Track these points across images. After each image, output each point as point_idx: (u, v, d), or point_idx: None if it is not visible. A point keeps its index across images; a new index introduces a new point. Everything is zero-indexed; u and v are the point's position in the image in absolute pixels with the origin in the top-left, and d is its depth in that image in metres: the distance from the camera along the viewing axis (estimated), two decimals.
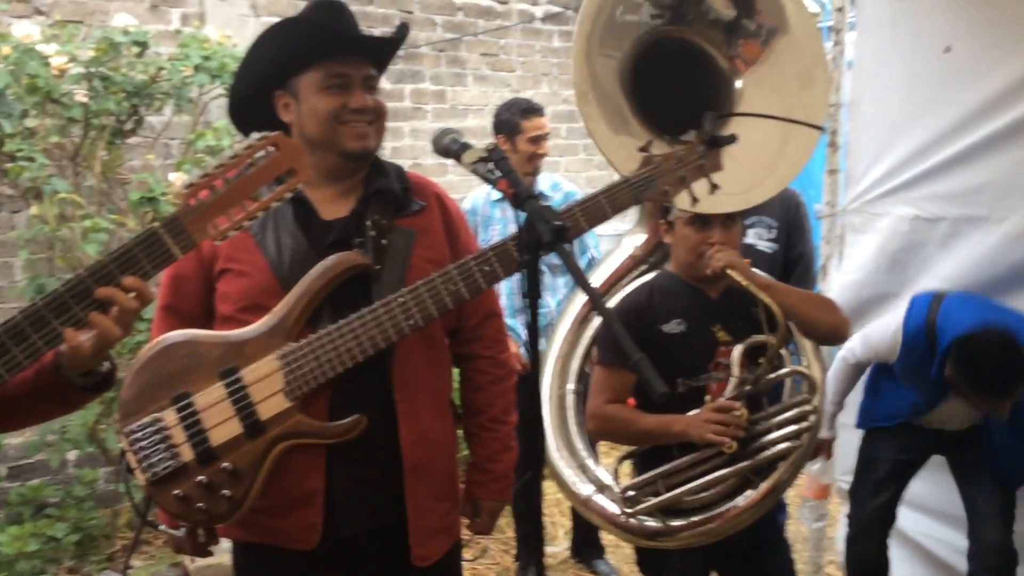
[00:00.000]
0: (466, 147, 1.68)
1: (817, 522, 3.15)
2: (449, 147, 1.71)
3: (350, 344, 1.68)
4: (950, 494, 2.91)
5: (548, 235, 1.48)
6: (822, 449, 2.93)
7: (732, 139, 1.85)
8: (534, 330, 1.52)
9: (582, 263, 3.56)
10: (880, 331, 2.80)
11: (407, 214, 1.85)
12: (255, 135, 1.44)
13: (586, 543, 3.68)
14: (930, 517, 3.16)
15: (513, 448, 1.98)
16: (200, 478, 1.65)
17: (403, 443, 1.79)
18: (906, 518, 3.03)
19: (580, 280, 1.51)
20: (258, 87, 1.82)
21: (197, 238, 1.42)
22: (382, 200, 1.84)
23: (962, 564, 2.90)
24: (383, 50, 1.88)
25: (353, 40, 1.81)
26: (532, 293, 1.51)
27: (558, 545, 3.84)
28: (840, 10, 3.48)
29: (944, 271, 2.97)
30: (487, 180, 1.62)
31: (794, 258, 3.17)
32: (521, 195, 1.55)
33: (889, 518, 2.96)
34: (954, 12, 2.93)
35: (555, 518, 3.93)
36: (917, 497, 2.98)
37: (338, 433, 1.72)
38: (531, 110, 3.55)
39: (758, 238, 3.23)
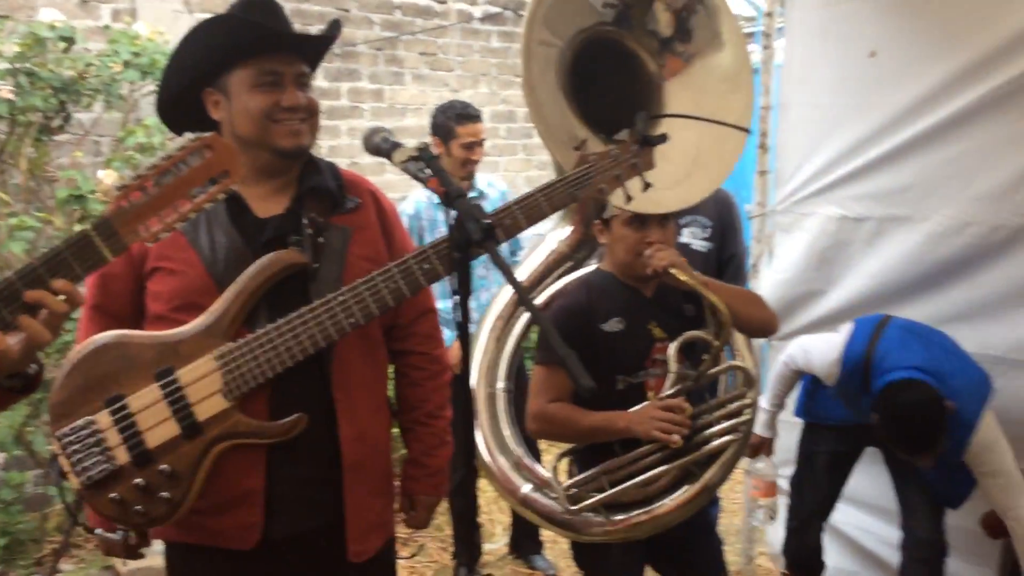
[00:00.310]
0: (396, 146, 1.69)
1: (770, 521, 3.21)
2: (380, 146, 1.72)
3: (290, 343, 1.67)
4: (880, 488, 3.01)
5: (478, 234, 1.50)
6: (762, 448, 3.00)
7: (664, 138, 1.89)
8: (464, 329, 1.54)
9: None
10: (822, 353, 2.83)
11: (342, 212, 1.85)
12: (189, 136, 1.42)
13: (524, 539, 3.71)
14: (861, 510, 3.26)
15: (448, 443, 2.00)
16: (137, 481, 1.63)
17: (343, 441, 1.79)
18: (837, 511, 3.12)
19: (511, 279, 1.53)
20: (188, 84, 1.79)
21: (128, 240, 1.40)
22: (317, 198, 1.83)
23: (892, 556, 3.00)
24: (316, 47, 1.87)
25: (285, 37, 1.79)
26: (463, 292, 1.53)
27: (496, 541, 3.86)
28: (770, 15, 3.56)
29: (870, 269, 3.07)
30: (417, 179, 1.63)
31: (727, 257, 3.24)
32: (451, 194, 1.57)
33: (828, 509, 3.05)
34: (881, 18, 3.03)
35: (494, 515, 3.95)
36: (848, 491, 3.07)
37: (278, 433, 1.71)
38: (466, 116, 3.54)
39: (693, 237, 3.30)
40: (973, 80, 2.78)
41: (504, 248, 3.48)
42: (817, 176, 3.25)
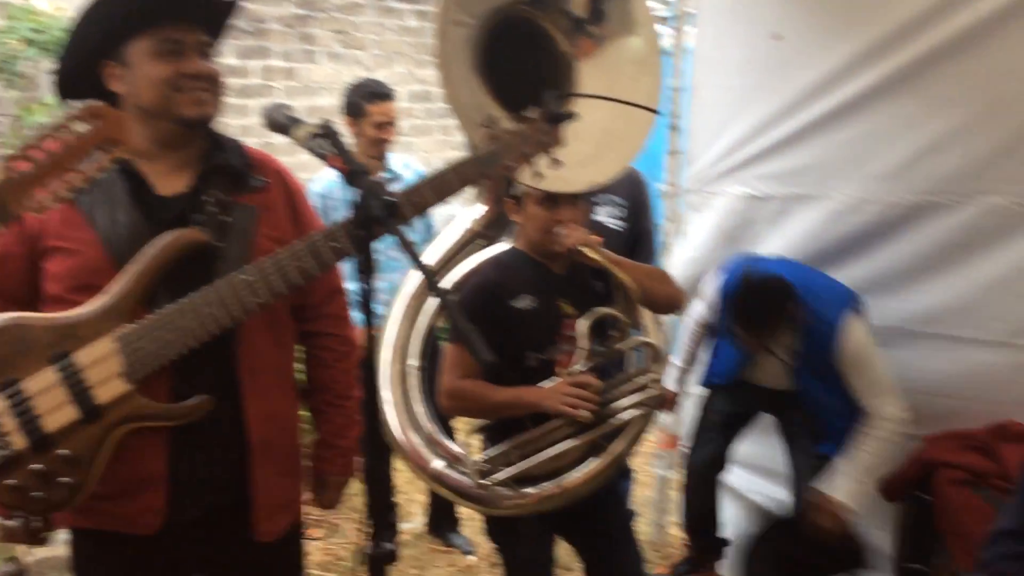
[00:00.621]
0: (297, 122, 1.67)
1: (667, 470, 3.30)
2: (280, 122, 1.70)
3: (193, 324, 1.64)
4: (778, 453, 3.12)
5: (381, 211, 1.50)
6: (669, 403, 3.10)
7: (571, 116, 1.91)
8: (368, 309, 1.54)
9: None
10: (709, 288, 3.04)
11: (248, 191, 1.82)
12: (77, 105, 1.39)
13: (442, 517, 3.73)
14: (761, 475, 3.37)
15: (359, 423, 2.00)
16: (35, 466, 1.59)
17: (250, 421, 1.78)
18: (740, 478, 3.23)
19: (413, 257, 1.53)
20: (86, 58, 1.74)
21: (15, 211, 1.37)
22: (222, 176, 1.80)
23: None
24: (216, 15, 1.83)
25: (183, 3, 1.75)
26: (366, 271, 1.53)
27: (414, 521, 3.87)
28: None
29: (775, 247, 3.16)
30: (319, 156, 1.62)
31: (638, 235, 3.29)
32: (354, 172, 1.56)
33: (718, 466, 3.17)
34: (786, 2, 3.10)
35: (411, 495, 3.95)
36: (749, 457, 3.17)
37: (181, 415, 1.69)
38: (378, 94, 3.48)
39: (609, 216, 3.34)
40: (869, 64, 2.88)
41: (420, 230, 3.51)
42: (725, 156, 3.33)
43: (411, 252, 1.54)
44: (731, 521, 3.32)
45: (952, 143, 2.76)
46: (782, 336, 2.83)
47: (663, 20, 3.72)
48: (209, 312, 1.65)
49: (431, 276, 1.60)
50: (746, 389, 3.07)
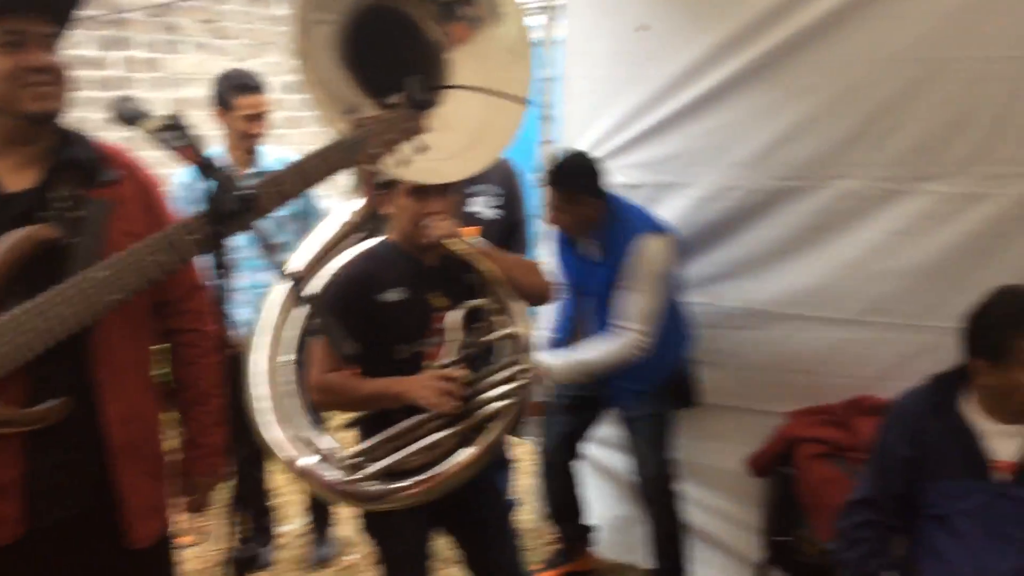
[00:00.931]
0: (144, 115, 1.62)
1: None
2: (127, 115, 1.64)
3: (46, 324, 1.57)
4: None
5: (234, 205, 1.47)
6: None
7: (435, 101, 1.91)
8: (221, 306, 1.50)
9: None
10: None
11: (100, 185, 1.75)
12: None
13: (321, 516, 3.66)
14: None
15: (225, 422, 1.95)
16: None
17: (111, 423, 1.73)
18: (614, 459, 3.30)
19: (268, 250, 1.50)
20: None
21: None
22: (72, 170, 1.73)
23: None
24: (63, 4, 1.75)
25: None
26: (220, 267, 1.49)
27: (294, 523, 3.80)
28: None
29: None
30: (169, 149, 1.57)
31: (513, 225, 3.31)
32: (206, 164, 1.52)
33: (568, 451, 3.25)
34: None
35: (290, 496, 3.88)
36: (615, 437, 3.27)
37: (35, 419, 1.62)
38: (245, 86, 3.33)
39: (485, 206, 3.35)
40: (729, 55, 2.97)
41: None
42: (596, 146, 3.38)
43: (266, 247, 1.50)
44: (606, 505, 3.39)
45: (807, 130, 2.89)
46: (587, 225, 2.96)
47: (534, 12, 3.75)
48: (63, 311, 1.58)
49: (282, 268, 1.57)
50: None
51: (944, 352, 2.20)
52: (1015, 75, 2.56)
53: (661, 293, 2.91)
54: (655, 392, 3.05)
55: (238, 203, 1.48)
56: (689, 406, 3.15)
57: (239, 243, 1.59)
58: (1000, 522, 2.03)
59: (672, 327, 3.01)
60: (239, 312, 3.28)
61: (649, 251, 2.88)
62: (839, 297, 2.91)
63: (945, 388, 2.17)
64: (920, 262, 2.77)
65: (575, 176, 2.96)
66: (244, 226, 1.55)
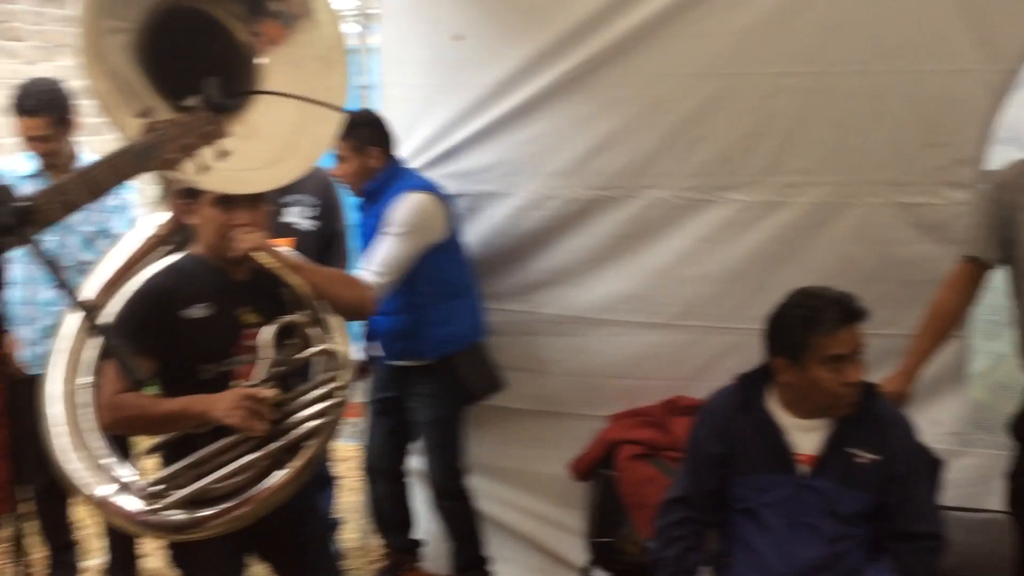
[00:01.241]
0: None
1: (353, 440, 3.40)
2: None
3: None
4: (486, 448, 3.22)
5: (9, 219, 1.34)
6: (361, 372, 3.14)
7: (235, 104, 1.83)
8: (1, 324, 1.37)
9: None
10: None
11: None
12: None
13: (125, 549, 3.40)
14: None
15: (6, 447, 1.78)
16: None
17: None
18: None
19: (51, 268, 1.38)
20: None
21: None
22: None
23: (501, 512, 3.25)
24: None
25: None
26: None
27: (98, 556, 3.53)
28: None
29: (469, 241, 3.22)
30: None
31: (331, 236, 3.23)
32: None
33: (389, 459, 3.22)
34: (467, 1, 3.17)
35: (95, 529, 3.60)
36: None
37: None
38: (20, 107, 3.03)
39: (301, 217, 3.25)
40: (546, 65, 3.01)
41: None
42: (416, 155, 3.34)
43: (47, 263, 1.38)
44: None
45: (620, 141, 2.97)
46: (369, 174, 3.02)
47: (350, 18, 3.68)
48: None
49: (66, 288, 1.44)
50: (383, 370, 3.12)
51: (750, 351, 2.30)
52: (805, 90, 2.73)
53: (410, 246, 2.90)
54: (438, 394, 3.05)
55: (14, 216, 1.34)
56: (478, 400, 3.15)
57: (18, 257, 1.45)
58: (803, 512, 2.14)
59: (442, 301, 3.01)
60: (21, 331, 3.05)
61: (406, 203, 2.91)
62: (653, 302, 3.01)
63: (751, 386, 2.27)
64: (725, 267, 2.90)
65: (363, 126, 3.00)
66: (23, 240, 1.41)
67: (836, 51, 2.69)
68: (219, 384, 2.03)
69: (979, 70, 2.59)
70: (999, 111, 2.61)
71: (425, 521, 3.35)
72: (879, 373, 2.38)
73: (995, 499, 2.51)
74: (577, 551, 3.04)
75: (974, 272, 2.39)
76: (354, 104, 3.45)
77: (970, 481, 2.67)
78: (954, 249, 2.50)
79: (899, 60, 2.64)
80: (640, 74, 2.90)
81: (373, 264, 2.87)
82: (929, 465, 2.26)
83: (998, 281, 2.41)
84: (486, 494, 3.23)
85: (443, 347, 3.03)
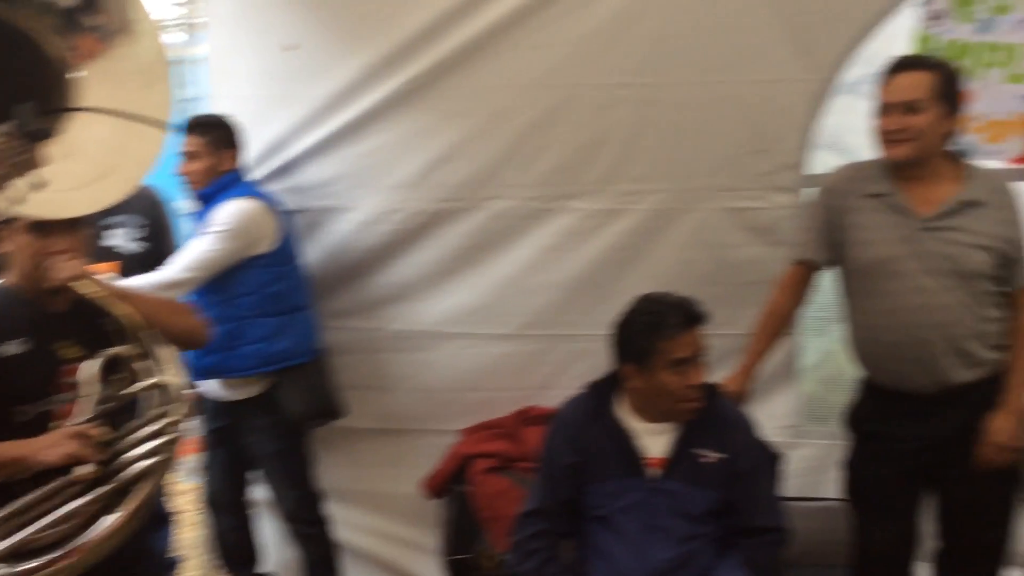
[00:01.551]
0: None
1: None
2: None
3: None
4: (333, 470, 3.12)
5: None
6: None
7: (53, 130, 1.69)
8: None
9: None
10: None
11: None
12: None
13: None
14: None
15: None
16: None
17: None
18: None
19: None
20: None
21: None
22: None
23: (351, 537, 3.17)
24: None
25: None
26: None
27: None
28: (191, 3, 3.44)
29: (310, 258, 3.12)
30: None
31: (160, 258, 3.06)
32: None
33: (233, 486, 3.10)
34: (297, 11, 3.06)
35: None
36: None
37: None
38: None
39: (127, 239, 3.09)
40: (384, 76, 2.95)
41: None
42: (251, 169, 3.21)
43: None
44: (278, 544, 3.23)
45: (461, 152, 2.95)
46: (215, 175, 2.93)
47: (173, 28, 3.51)
48: None
49: None
50: (224, 404, 2.97)
51: (598, 357, 2.33)
52: (640, 100, 2.81)
53: (226, 248, 2.80)
54: (272, 426, 2.93)
55: None
56: (312, 427, 3.04)
57: None
58: (655, 515, 2.18)
59: (264, 316, 2.87)
60: None
61: (232, 206, 2.83)
62: (500, 313, 3.00)
63: (601, 393, 2.29)
64: (570, 275, 2.94)
65: (221, 128, 2.95)
66: None
67: (667, 62, 2.77)
68: (38, 427, 1.86)
69: (799, 79, 2.73)
70: (818, 118, 2.76)
71: (276, 552, 3.22)
72: (720, 372, 2.46)
73: (831, 487, 2.64)
74: (434, 570, 3.00)
75: (805, 274, 2.50)
76: (180, 118, 3.29)
77: (806, 471, 2.81)
78: (783, 251, 2.61)
79: (726, 71, 2.75)
80: (478, 86, 2.90)
81: (182, 259, 2.76)
82: (769, 460, 2.34)
83: (826, 280, 2.54)
84: (338, 519, 3.13)
85: (261, 365, 2.86)
